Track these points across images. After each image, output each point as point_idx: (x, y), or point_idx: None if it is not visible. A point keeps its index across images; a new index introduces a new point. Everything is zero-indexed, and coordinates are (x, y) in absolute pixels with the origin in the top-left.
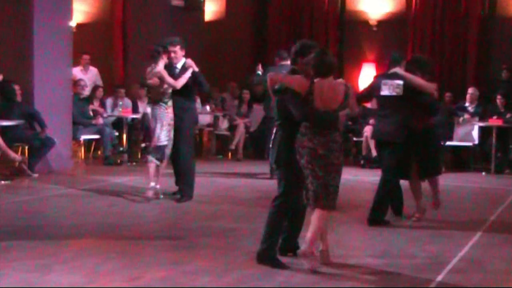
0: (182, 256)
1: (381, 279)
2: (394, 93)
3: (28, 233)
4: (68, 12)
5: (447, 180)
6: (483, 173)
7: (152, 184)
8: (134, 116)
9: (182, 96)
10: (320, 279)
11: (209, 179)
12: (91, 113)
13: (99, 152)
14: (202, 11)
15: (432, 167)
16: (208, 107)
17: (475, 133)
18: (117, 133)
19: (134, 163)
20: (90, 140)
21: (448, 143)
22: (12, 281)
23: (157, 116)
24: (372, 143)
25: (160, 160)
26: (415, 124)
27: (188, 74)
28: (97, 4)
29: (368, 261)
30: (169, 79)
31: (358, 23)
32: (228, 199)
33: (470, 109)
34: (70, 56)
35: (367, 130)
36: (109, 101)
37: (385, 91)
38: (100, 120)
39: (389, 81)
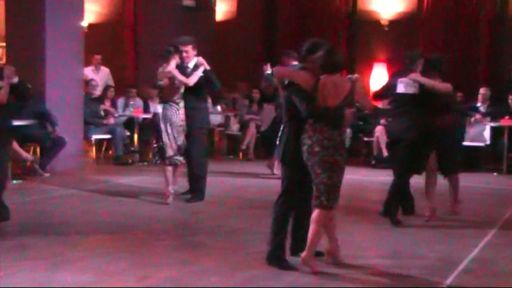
0: (191, 256)
1: (389, 280)
2: (410, 91)
3: (38, 233)
4: (79, 12)
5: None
6: (495, 174)
7: (171, 187)
8: (146, 116)
9: (193, 96)
10: (328, 280)
11: (220, 179)
12: (102, 113)
13: (110, 152)
14: (213, 11)
15: (452, 164)
16: (219, 107)
17: (487, 134)
18: (128, 133)
19: (145, 163)
20: (102, 140)
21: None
22: (22, 281)
23: (167, 117)
24: (383, 143)
25: (175, 161)
26: (432, 122)
27: (200, 71)
28: (109, 4)
29: (377, 262)
30: (181, 77)
31: (369, 23)
32: (239, 199)
33: (482, 109)
34: (82, 56)
35: (378, 130)
36: (120, 101)
37: (401, 89)
38: (112, 120)
39: (405, 79)
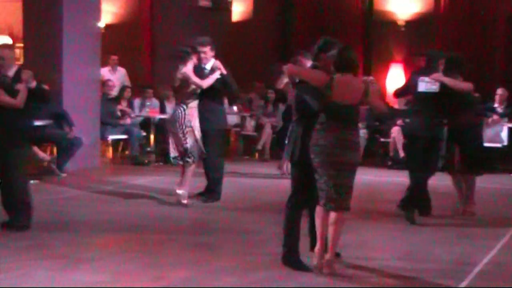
0: (206, 256)
1: (404, 282)
2: (431, 90)
3: (54, 232)
4: (96, 13)
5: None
6: None
7: (176, 188)
8: (162, 116)
9: (209, 98)
10: (342, 282)
11: (236, 179)
12: (119, 113)
13: (126, 152)
14: (229, 12)
15: (469, 163)
16: (235, 108)
17: (504, 134)
18: (144, 133)
19: (161, 163)
20: (118, 140)
21: None
22: (38, 280)
23: (175, 118)
24: (399, 144)
25: (175, 161)
26: (453, 120)
27: (215, 75)
28: (125, 5)
29: (391, 263)
30: (195, 79)
31: (386, 23)
32: (254, 199)
33: (499, 110)
34: (99, 56)
35: (395, 131)
36: (136, 102)
37: (422, 88)
38: (128, 120)
39: (427, 78)
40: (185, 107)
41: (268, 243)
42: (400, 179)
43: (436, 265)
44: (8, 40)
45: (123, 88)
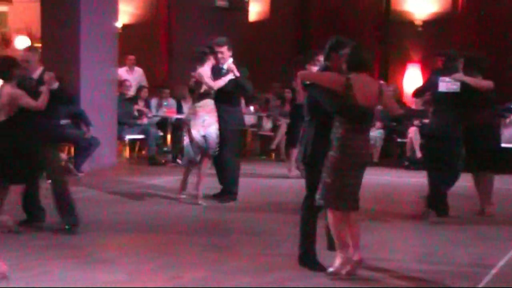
0: (222, 256)
1: (421, 284)
2: (452, 90)
3: (71, 232)
4: (114, 13)
5: None
6: None
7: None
8: (179, 116)
9: (225, 99)
10: (359, 283)
11: (252, 179)
12: (136, 113)
13: (143, 152)
14: (246, 12)
15: (486, 164)
16: (252, 108)
17: None
18: (161, 133)
19: (178, 163)
20: (135, 140)
21: None
22: (56, 279)
23: (187, 118)
24: (417, 144)
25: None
26: (473, 119)
27: (228, 77)
28: (143, 5)
29: (409, 265)
30: (207, 80)
31: (403, 23)
32: (271, 200)
33: None
34: (116, 56)
35: (412, 131)
36: (153, 101)
37: (442, 88)
38: (145, 120)
39: (447, 78)
40: (194, 107)
41: (284, 243)
42: (417, 179)
43: (453, 267)
44: (26, 40)
45: (140, 88)
